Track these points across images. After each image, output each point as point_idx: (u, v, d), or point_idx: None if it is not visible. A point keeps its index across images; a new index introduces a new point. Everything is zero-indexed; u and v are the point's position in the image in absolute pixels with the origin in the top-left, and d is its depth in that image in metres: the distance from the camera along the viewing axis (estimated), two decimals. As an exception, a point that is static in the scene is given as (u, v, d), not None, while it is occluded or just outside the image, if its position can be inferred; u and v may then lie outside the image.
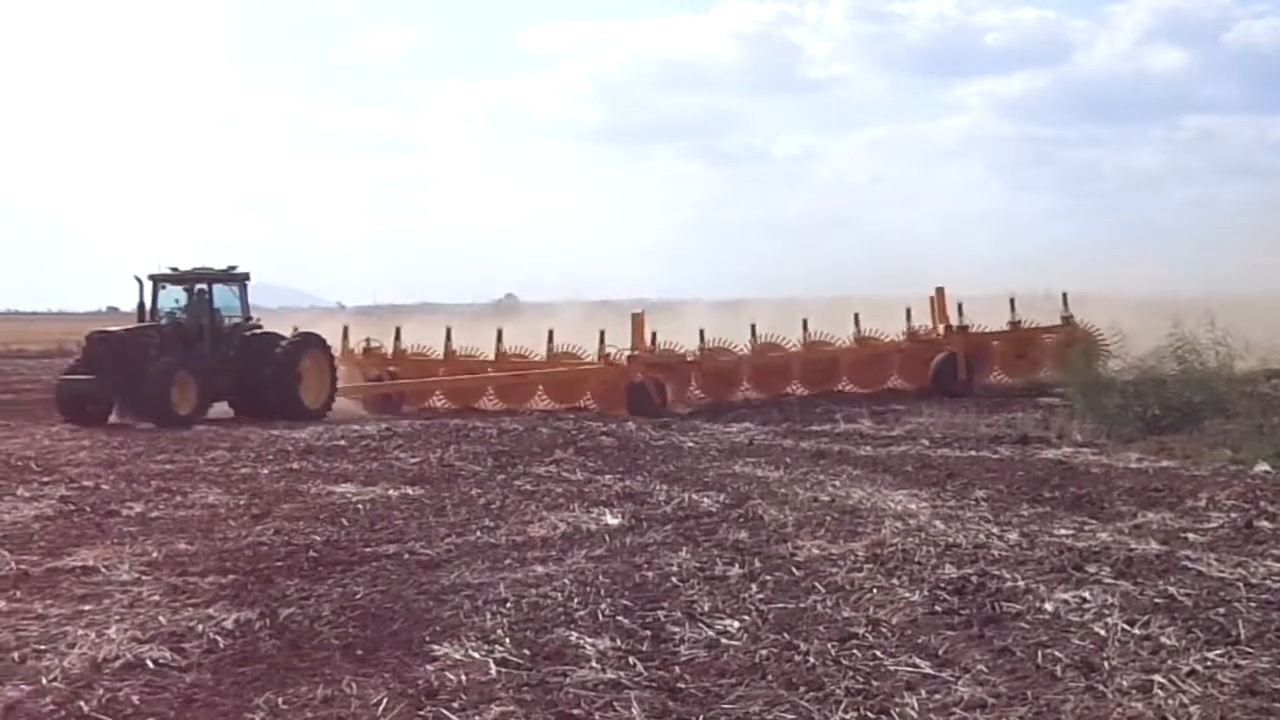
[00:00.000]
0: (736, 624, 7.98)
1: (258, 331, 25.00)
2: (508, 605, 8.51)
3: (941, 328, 27.73)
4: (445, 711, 6.44)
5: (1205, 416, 18.13)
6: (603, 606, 8.42)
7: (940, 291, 28.13)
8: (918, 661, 7.14)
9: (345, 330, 27.50)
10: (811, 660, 7.21)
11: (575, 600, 8.62)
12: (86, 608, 8.55)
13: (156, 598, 8.81)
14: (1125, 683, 6.69)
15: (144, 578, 9.47)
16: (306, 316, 33.36)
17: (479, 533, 11.33)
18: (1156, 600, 8.31)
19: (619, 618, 8.16)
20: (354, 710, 6.50)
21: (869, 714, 6.37)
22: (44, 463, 16.07)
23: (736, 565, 9.70)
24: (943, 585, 8.86)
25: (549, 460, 16.42)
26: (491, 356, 26.91)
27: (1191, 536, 10.54)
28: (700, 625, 7.96)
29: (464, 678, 6.93)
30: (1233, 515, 11.38)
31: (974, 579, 8.99)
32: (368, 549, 10.61)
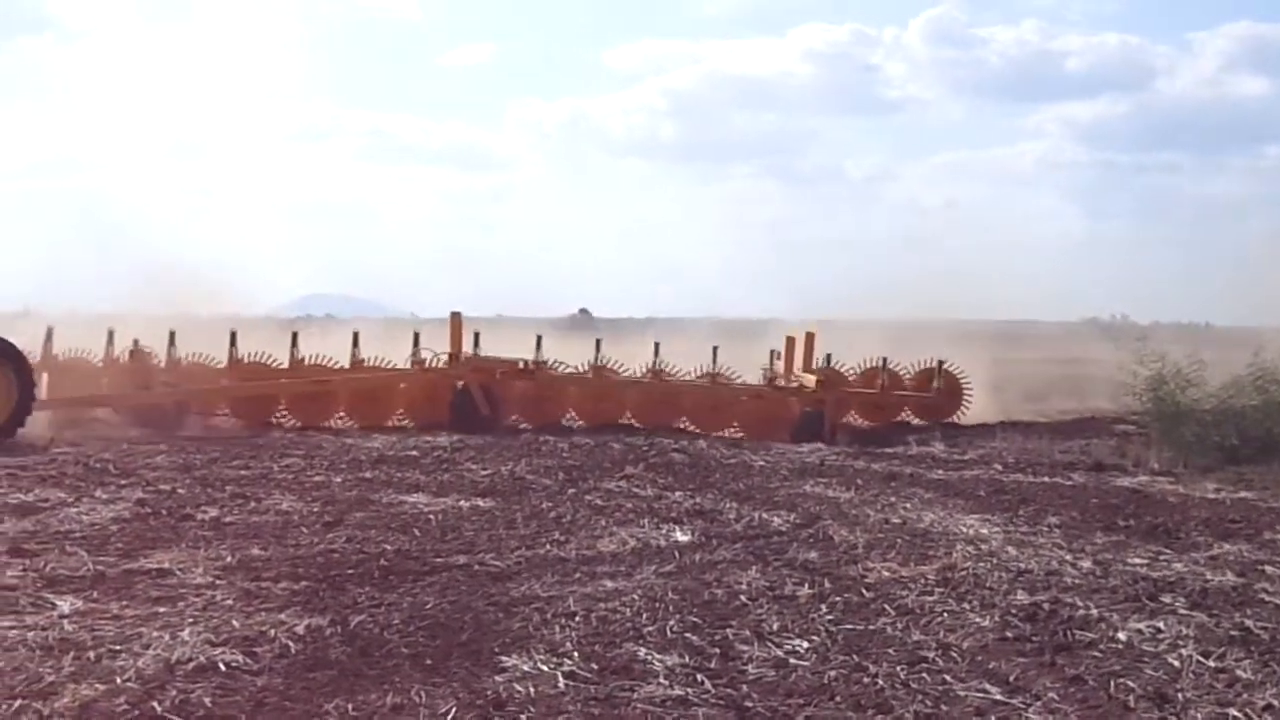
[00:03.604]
0: (805, 644, 7.95)
1: None
2: (576, 619, 8.53)
3: (811, 380, 24.23)
4: (513, 723, 6.47)
5: (1286, 448, 17.90)
6: (671, 623, 8.42)
7: (810, 336, 25.09)
8: (988, 687, 7.08)
9: (110, 334, 23.80)
10: (880, 683, 7.17)
11: (644, 616, 8.62)
12: (161, 610, 8.64)
13: (230, 602, 8.90)
14: (1199, 715, 6.61)
15: (218, 581, 9.56)
16: (374, 326, 33.05)
17: (549, 546, 11.35)
18: (1232, 633, 8.20)
19: (687, 634, 8.16)
20: (422, 719, 6.54)
21: (938, 739, 6.34)
22: (122, 466, 16.27)
23: (806, 585, 9.67)
24: (1014, 611, 8.79)
25: (619, 475, 16.42)
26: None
27: (1269, 569, 10.39)
28: (769, 644, 7.94)
29: (532, 690, 6.96)
30: (1312, 549, 11.21)
31: (1046, 606, 8.91)
32: (438, 559, 10.66)
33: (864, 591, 9.47)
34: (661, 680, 7.18)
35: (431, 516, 12.88)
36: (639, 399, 24.67)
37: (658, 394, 24.58)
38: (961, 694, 6.99)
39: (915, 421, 25.30)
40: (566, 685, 7.07)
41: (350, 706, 6.67)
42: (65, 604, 8.69)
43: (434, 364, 23.71)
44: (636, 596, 9.21)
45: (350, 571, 10.08)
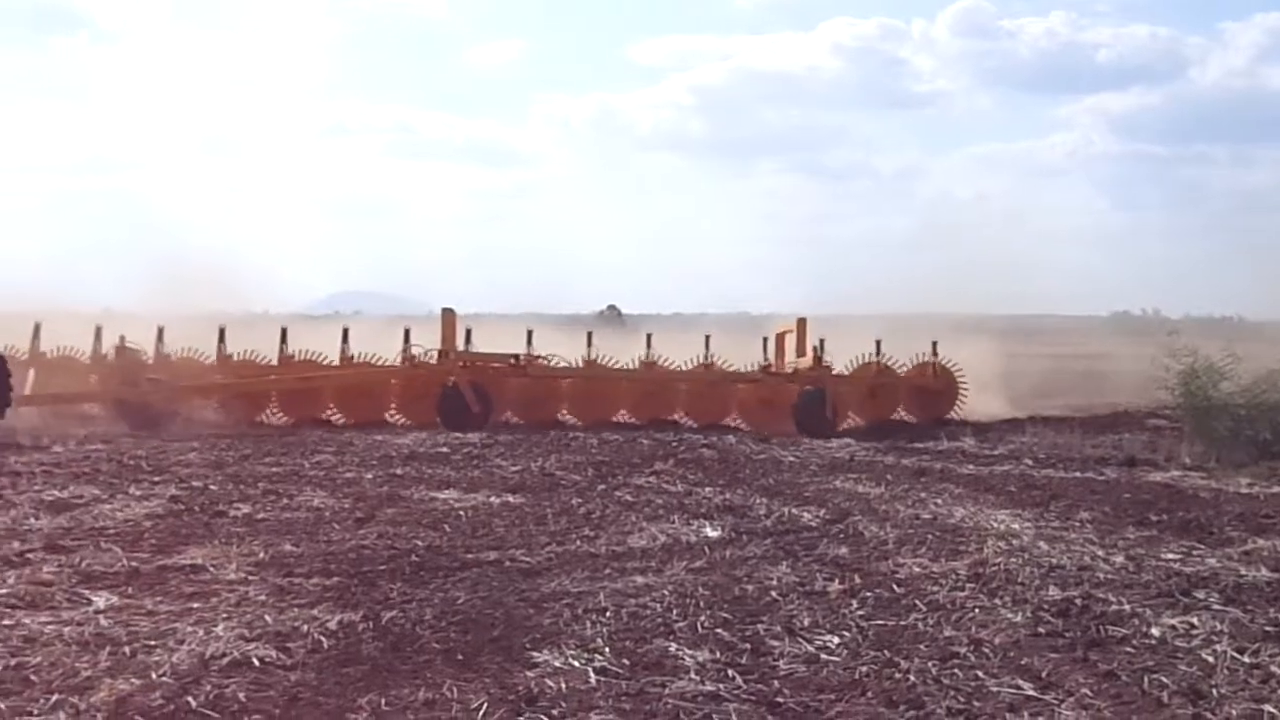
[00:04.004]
0: (836, 640, 7.95)
1: None
2: (607, 614, 8.54)
3: (807, 360, 24.19)
4: (544, 718, 6.48)
5: (1319, 442, 17.79)
6: (702, 618, 8.42)
7: (801, 322, 24.92)
8: (1020, 683, 7.06)
9: (98, 331, 23.74)
10: (912, 678, 7.15)
11: (674, 611, 8.63)
12: (195, 605, 8.69)
13: (263, 597, 8.95)
14: (1234, 711, 6.57)
15: (250, 577, 9.61)
16: (398, 324, 32.90)
17: (579, 542, 11.37)
18: (1267, 628, 8.14)
19: (718, 630, 8.15)
20: (455, 714, 6.55)
21: (970, 734, 6.32)
22: (154, 462, 16.37)
23: (836, 581, 9.66)
24: (1046, 606, 8.75)
25: (649, 471, 16.43)
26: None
27: (1303, 564, 10.33)
28: (800, 640, 7.93)
29: (563, 685, 6.97)
30: (1347, 543, 11.13)
31: (1078, 601, 8.87)
32: (469, 555, 10.69)
33: (895, 587, 9.45)
34: (693, 675, 7.18)
35: (462, 512, 12.91)
36: (634, 391, 24.37)
37: (653, 385, 24.32)
38: (994, 690, 6.97)
39: (908, 418, 25.15)
40: (598, 680, 7.07)
41: (383, 701, 6.70)
42: (100, 599, 8.75)
43: (425, 359, 23.43)
44: (667, 592, 9.21)
45: (382, 567, 10.12)
